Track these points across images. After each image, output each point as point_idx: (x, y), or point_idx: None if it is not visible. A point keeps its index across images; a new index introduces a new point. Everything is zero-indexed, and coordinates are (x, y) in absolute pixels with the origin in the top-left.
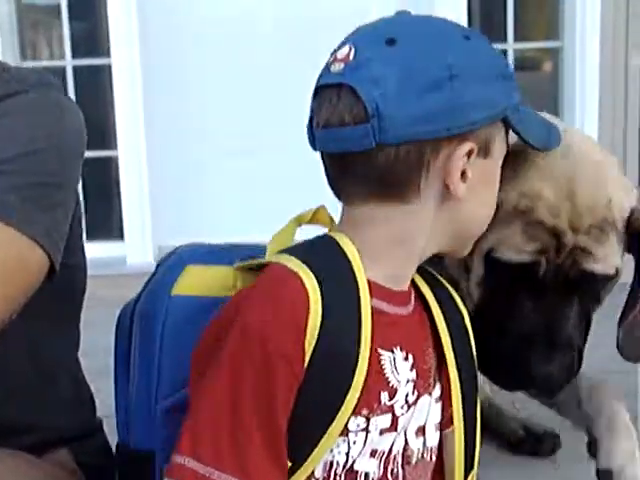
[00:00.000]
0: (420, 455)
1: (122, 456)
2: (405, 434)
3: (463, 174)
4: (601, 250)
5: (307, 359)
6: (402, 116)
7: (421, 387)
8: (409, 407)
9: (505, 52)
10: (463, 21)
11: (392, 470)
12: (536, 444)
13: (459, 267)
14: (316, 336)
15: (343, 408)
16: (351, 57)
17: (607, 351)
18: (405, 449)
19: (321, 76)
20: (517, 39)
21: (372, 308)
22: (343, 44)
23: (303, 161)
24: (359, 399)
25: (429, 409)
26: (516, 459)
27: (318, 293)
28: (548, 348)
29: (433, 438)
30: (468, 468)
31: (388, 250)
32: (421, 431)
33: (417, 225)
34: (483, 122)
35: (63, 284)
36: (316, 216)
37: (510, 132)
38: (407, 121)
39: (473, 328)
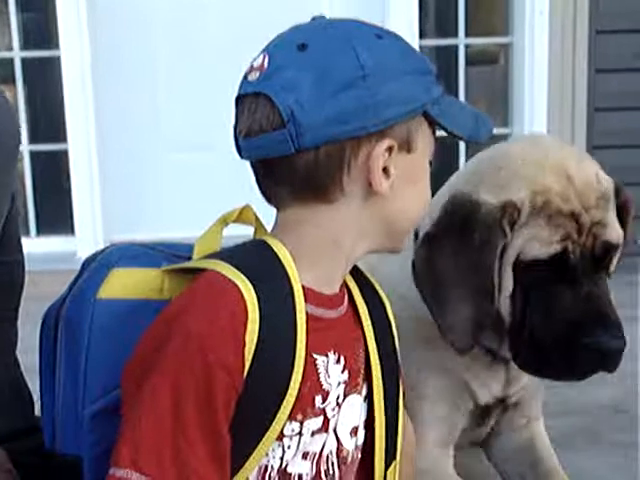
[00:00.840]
0: (354, 455)
1: (48, 462)
2: (337, 435)
3: (386, 171)
4: (610, 218)
5: (246, 369)
6: (318, 119)
7: (351, 387)
8: (339, 408)
9: (456, 47)
10: (415, 17)
11: (326, 471)
12: None
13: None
14: (254, 346)
15: (280, 414)
16: (265, 65)
17: None
18: (340, 450)
19: (240, 86)
20: (468, 35)
21: (306, 314)
22: (260, 53)
23: None
24: (294, 404)
25: (360, 409)
26: None
27: (256, 303)
28: (606, 324)
29: (362, 436)
30: (390, 459)
31: (318, 252)
32: (354, 431)
33: (344, 225)
34: (398, 119)
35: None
36: (242, 215)
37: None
38: (323, 123)
39: (516, 342)
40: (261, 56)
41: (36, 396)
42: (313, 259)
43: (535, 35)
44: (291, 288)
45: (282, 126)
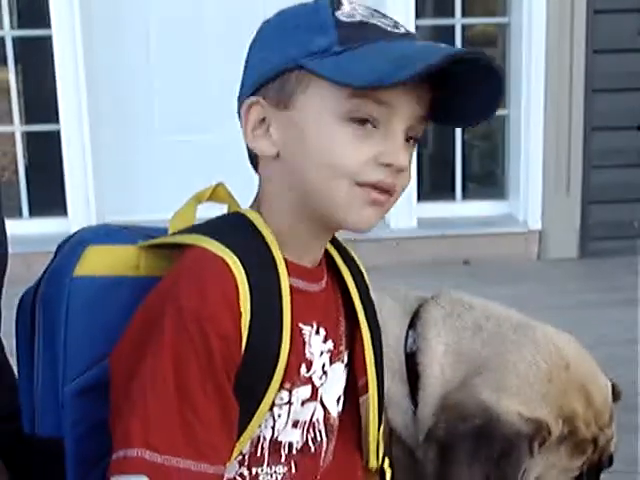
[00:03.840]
0: (336, 422)
1: (29, 447)
2: (323, 402)
3: (269, 131)
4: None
5: (244, 340)
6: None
7: (334, 356)
8: (326, 376)
9: (453, 27)
10: None
11: (314, 438)
12: None
13: None
14: (249, 316)
15: (273, 383)
16: None
17: None
18: (327, 417)
19: None
20: (465, 15)
21: (290, 286)
22: None
23: None
24: (284, 373)
25: (342, 376)
26: None
27: (244, 275)
28: None
29: (341, 403)
30: (380, 421)
31: (276, 219)
32: (338, 399)
33: (273, 188)
34: (258, 79)
35: None
36: (215, 193)
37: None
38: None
39: None
40: None
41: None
42: (281, 222)
43: (533, 15)
44: (273, 259)
45: None
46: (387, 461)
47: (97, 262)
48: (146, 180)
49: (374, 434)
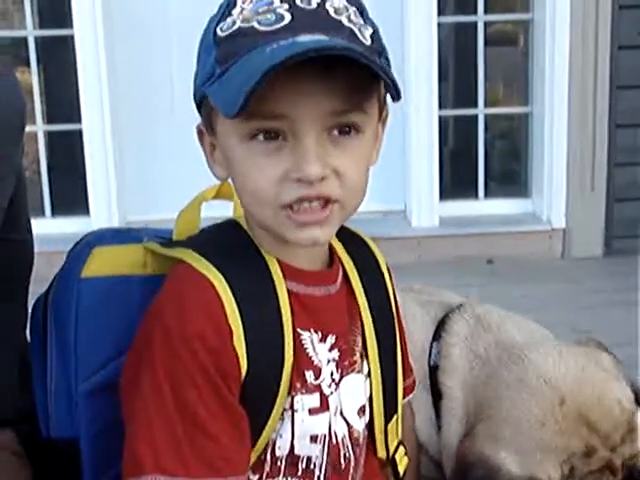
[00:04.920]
0: (364, 434)
1: (46, 451)
2: (343, 416)
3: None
4: None
5: (244, 352)
6: None
7: (345, 366)
8: (337, 387)
9: (476, 24)
10: None
11: (345, 454)
12: None
13: None
14: (242, 332)
15: (280, 391)
16: None
17: None
18: (350, 432)
19: None
20: (488, 12)
21: (288, 291)
22: None
23: None
24: (289, 380)
25: (364, 387)
26: None
27: (229, 292)
28: None
29: (368, 414)
30: (391, 413)
31: (253, 214)
32: (362, 411)
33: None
34: (198, 107)
35: (6, 260)
36: (221, 191)
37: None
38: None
39: None
40: None
41: None
42: (260, 224)
43: (556, 11)
44: (267, 267)
45: None
46: (402, 450)
47: (104, 263)
48: (168, 179)
49: (380, 426)
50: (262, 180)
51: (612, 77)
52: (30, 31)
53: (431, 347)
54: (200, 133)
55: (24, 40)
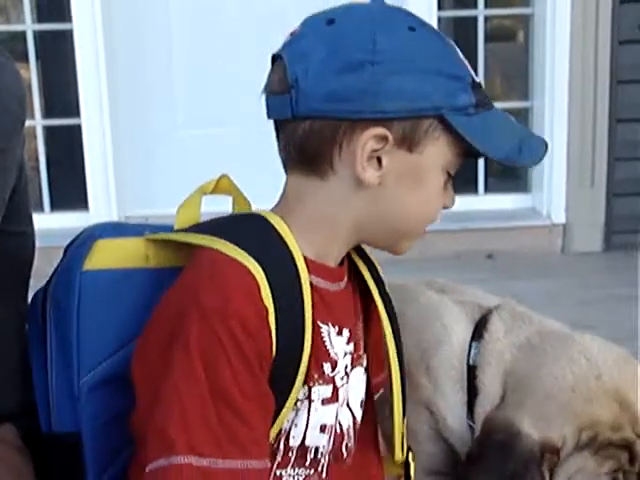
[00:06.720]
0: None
1: (47, 445)
2: (349, 407)
3: (379, 161)
4: None
5: (274, 337)
6: (318, 91)
7: (355, 359)
8: (348, 379)
9: (476, 19)
10: None
11: (346, 444)
12: None
13: None
14: (274, 314)
15: (297, 379)
16: (296, 32)
17: None
18: (354, 422)
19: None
20: (488, 6)
21: (310, 284)
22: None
23: (269, 134)
24: (306, 370)
25: (364, 381)
26: None
27: (263, 274)
28: None
29: (363, 406)
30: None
31: (313, 225)
32: (362, 403)
33: (335, 205)
34: (399, 113)
35: (7, 252)
36: (219, 185)
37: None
38: (322, 97)
39: None
40: (301, 23)
41: None
42: (310, 232)
43: (557, 6)
44: (293, 258)
45: (287, 91)
46: (411, 454)
47: (106, 255)
48: (167, 174)
49: (399, 427)
50: (437, 205)
51: (612, 72)
52: (29, 25)
53: (470, 347)
54: (374, 137)
55: (23, 34)
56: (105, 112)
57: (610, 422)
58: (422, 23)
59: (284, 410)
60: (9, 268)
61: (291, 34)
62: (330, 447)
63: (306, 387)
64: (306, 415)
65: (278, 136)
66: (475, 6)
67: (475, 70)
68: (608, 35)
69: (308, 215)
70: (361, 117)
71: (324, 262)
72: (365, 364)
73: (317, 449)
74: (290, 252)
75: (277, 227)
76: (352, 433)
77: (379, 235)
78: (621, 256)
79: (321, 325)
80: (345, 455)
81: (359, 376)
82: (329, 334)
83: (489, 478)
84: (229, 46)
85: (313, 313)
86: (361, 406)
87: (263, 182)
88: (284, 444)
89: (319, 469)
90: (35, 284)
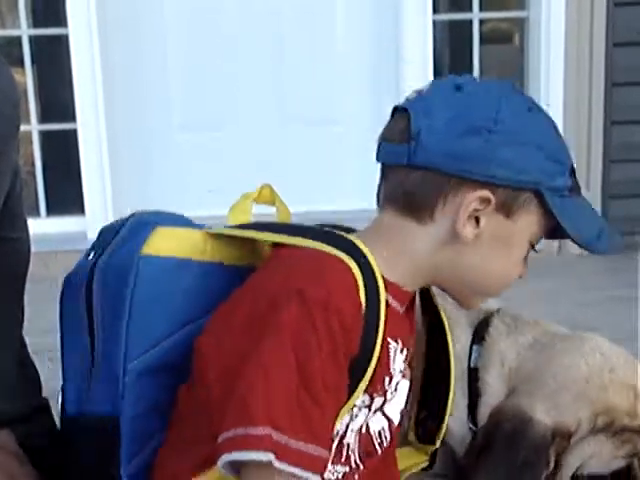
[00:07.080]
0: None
1: (76, 427)
2: (384, 413)
3: (477, 221)
4: None
5: (361, 335)
6: (438, 147)
7: (405, 375)
8: (396, 393)
9: (471, 22)
10: None
11: (379, 442)
12: None
13: None
14: (363, 317)
15: (361, 384)
16: (424, 91)
17: None
18: (390, 425)
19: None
20: (483, 9)
21: (385, 301)
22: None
23: (267, 137)
24: (370, 379)
25: (406, 391)
26: None
27: (362, 278)
28: None
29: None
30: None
31: (395, 260)
32: (402, 410)
33: (424, 248)
34: (505, 181)
35: (2, 258)
36: (262, 195)
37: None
38: (441, 153)
39: None
40: (428, 84)
41: (43, 377)
42: (390, 263)
43: (552, 9)
44: (374, 273)
45: (407, 141)
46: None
47: (165, 242)
48: (163, 179)
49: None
50: (515, 272)
51: (607, 74)
52: (24, 30)
53: (471, 350)
54: (478, 198)
55: (18, 39)
56: (101, 116)
57: (626, 409)
58: (539, 108)
59: (344, 410)
60: (4, 274)
61: (418, 92)
62: (357, 445)
63: (367, 395)
64: (363, 420)
65: (383, 177)
66: (470, 9)
67: (470, 73)
68: (603, 37)
69: (394, 249)
70: (471, 177)
71: (397, 282)
72: (410, 376)
73: (348, 446)
74: (372, 268)
75: (359, 245)
76: (387, 434)
77: (456, 285)
78: (617, 257)
79: (390, 341)
80: (379, 451)
81: (404, 388)
82: (395, 350)
83: (496, 470)
84: (226, 49)
85: (385, 328)
86: (400, 413)
87: (261, 184)
88: (337, 445)
89: (352, 465)
90: (33, 288)
